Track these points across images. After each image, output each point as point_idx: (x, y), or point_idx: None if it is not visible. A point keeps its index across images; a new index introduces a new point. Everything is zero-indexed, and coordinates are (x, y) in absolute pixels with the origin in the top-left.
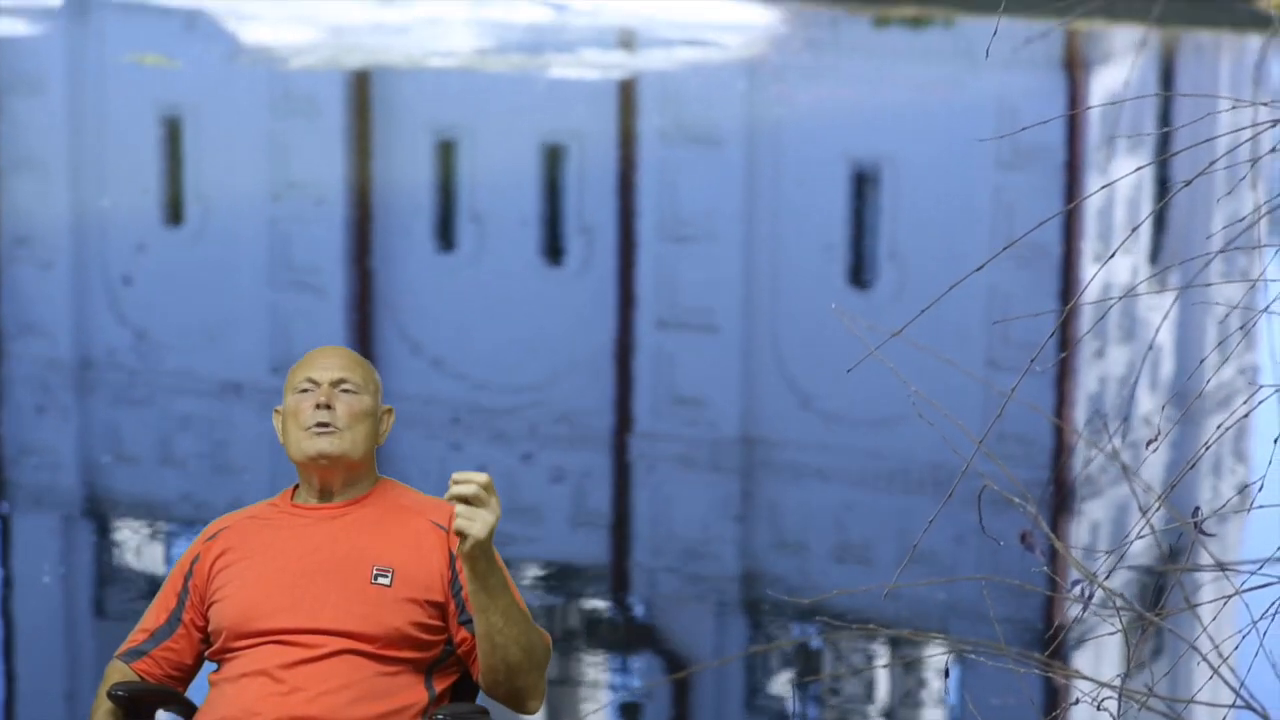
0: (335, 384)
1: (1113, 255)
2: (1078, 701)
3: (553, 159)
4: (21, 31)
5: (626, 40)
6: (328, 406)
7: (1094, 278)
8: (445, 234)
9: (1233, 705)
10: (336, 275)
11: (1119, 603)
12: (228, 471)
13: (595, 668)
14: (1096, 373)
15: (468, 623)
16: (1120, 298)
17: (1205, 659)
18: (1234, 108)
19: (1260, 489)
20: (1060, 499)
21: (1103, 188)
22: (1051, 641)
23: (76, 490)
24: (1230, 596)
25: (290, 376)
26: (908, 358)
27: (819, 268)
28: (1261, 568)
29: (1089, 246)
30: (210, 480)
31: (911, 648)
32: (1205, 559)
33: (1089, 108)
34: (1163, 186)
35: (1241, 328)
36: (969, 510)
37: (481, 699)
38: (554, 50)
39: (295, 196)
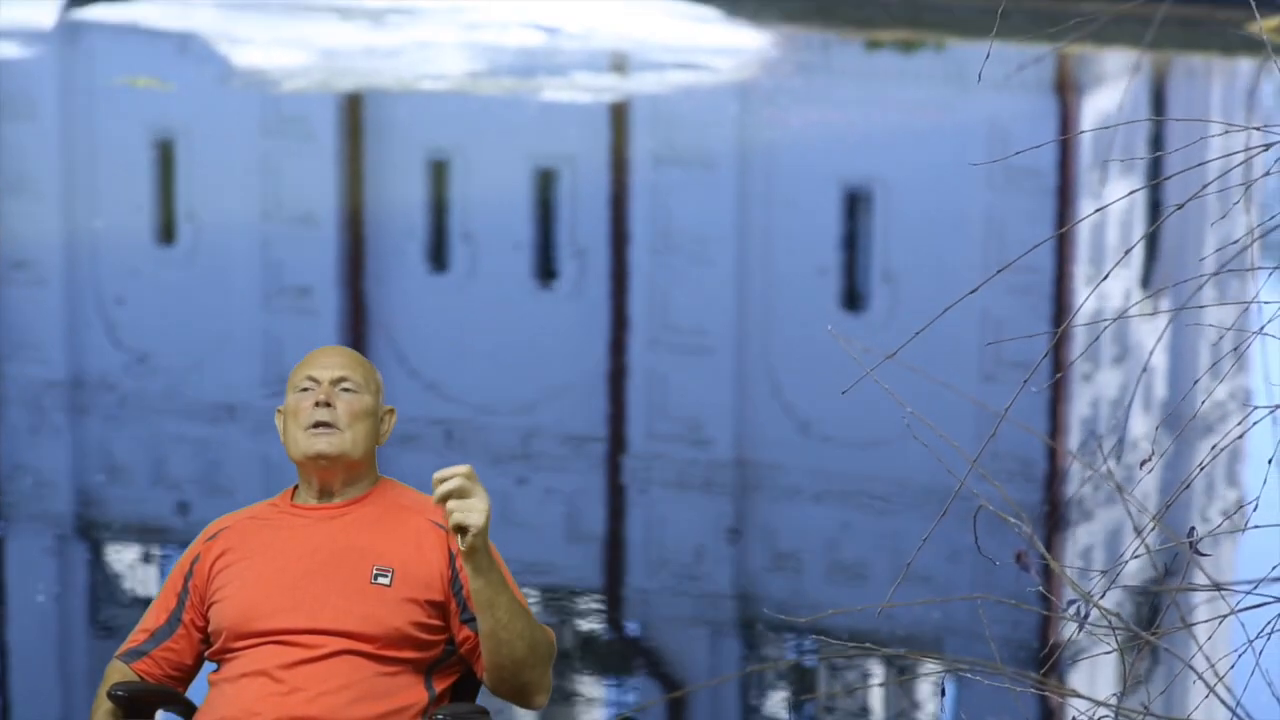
0: (335, 382)
1: (1105, 277)
2: None
3: (545, 181)
4: (14, 54)
5: (618, 64)
6: (327, 404)
7: (1086, 300)
8: (438, 255)
9: None
10: (329, 296)
11: (1115, 622)
12: (221, 492)
13: (590, 688)
14: (1089, 394)
15: (470, 621)
16: (1114, 319)
17: (1201, 678)
18: (1226, 132)
19: (1255, 509)
20: (1055, 519)
21: (1095, 211)
22: (1047, 660)
23: (70, 510)
24: (1226, 616)
25: (292, 376)
26: (901, 378)
27: (812, 289)
28: (1257, 587)
29: (1081, 270)
30: (203, 500)
31: (907, 666)
32: (1201, 579)
33: (1082, 132)
34: (1155, 209)
35: (1235, 349)
36: (963, 530)
37: (482, 698)
38: (546, 73)
39: (288, 218)
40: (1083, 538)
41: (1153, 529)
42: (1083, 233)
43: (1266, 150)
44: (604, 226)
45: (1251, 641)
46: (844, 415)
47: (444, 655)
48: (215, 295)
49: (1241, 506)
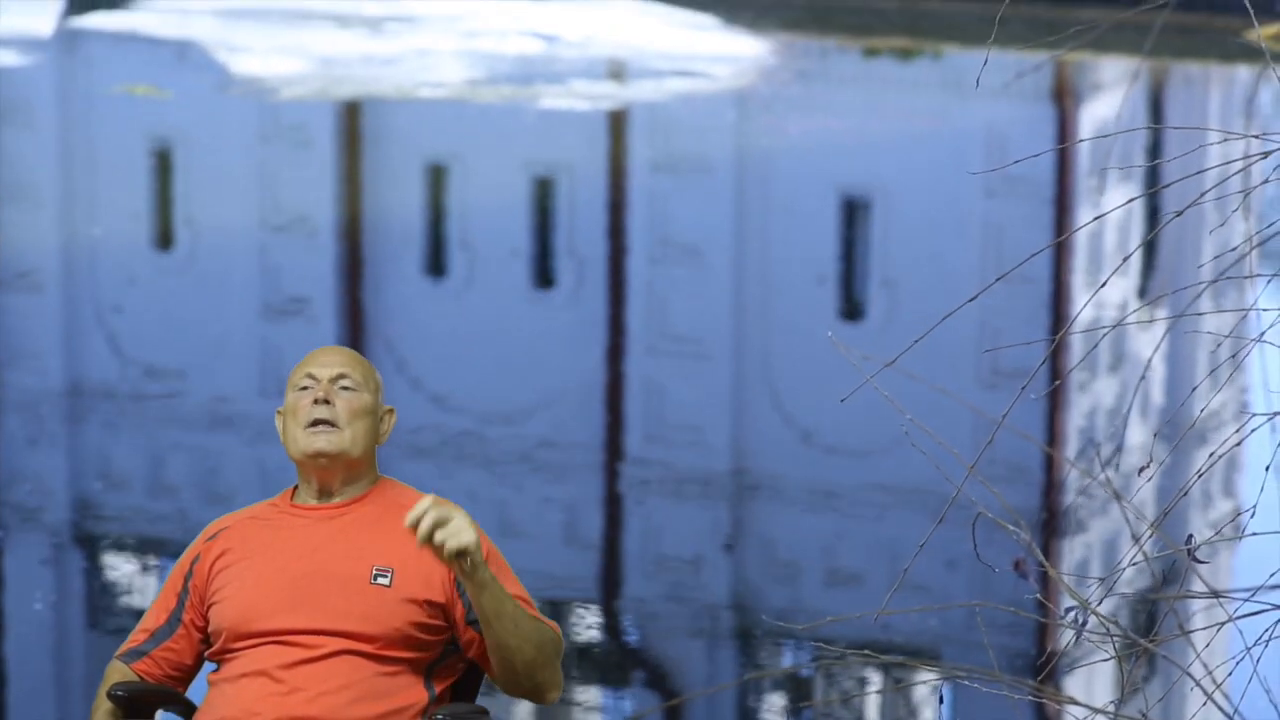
0: (335, 380)
1: (1103, 285)
2: None
3: (543, 189)
4: (12, 62)
5: (616, 71)
6: (326, 402)
7: (1084, 307)
8: (436, 262)
9: None
10: (327, 303)
11: (1112, 629)
12: (219, 500)
13: (587, 696)
14: (1087, 402)
15: (475, 623)
16: (1112, 327)
17: (1199, 685)
18: (1225, 140)
19: (1252, 516)
20: (1052, 526)
21: (1094, 220)
22: (1044, 667)
23: (67, 518)
24: (1224, 623)
25: (291, 375)
26: (899, 386)
27: (810, 297)
28: (1255, 594)
29: (1079, 278)
30: (201, 508)
31: (904, 674)
32: (1198, 586)
33: (1080, 141)
34: (1153, 217)
35: (1233, 357)
36: (961, 536)
37: (483, 698)
38: (544, 81)
39: (286, 225)
40: (1080, 544)
41: (1150, 536)
42: (1080, 241)
43: (1265, 158)
44: (602, 234)
45: (1249, 649)
46: (842, 423)
47: (444, 655)
48: (213, 303)
49: (1239, 514)
